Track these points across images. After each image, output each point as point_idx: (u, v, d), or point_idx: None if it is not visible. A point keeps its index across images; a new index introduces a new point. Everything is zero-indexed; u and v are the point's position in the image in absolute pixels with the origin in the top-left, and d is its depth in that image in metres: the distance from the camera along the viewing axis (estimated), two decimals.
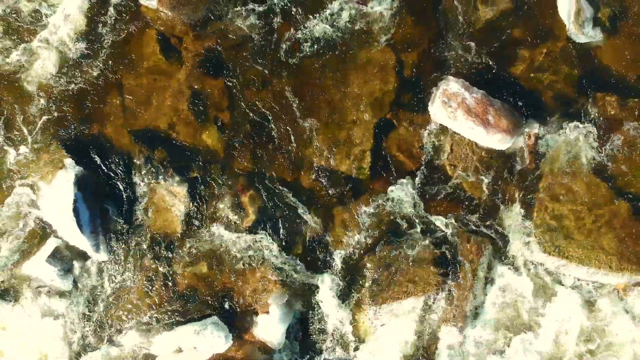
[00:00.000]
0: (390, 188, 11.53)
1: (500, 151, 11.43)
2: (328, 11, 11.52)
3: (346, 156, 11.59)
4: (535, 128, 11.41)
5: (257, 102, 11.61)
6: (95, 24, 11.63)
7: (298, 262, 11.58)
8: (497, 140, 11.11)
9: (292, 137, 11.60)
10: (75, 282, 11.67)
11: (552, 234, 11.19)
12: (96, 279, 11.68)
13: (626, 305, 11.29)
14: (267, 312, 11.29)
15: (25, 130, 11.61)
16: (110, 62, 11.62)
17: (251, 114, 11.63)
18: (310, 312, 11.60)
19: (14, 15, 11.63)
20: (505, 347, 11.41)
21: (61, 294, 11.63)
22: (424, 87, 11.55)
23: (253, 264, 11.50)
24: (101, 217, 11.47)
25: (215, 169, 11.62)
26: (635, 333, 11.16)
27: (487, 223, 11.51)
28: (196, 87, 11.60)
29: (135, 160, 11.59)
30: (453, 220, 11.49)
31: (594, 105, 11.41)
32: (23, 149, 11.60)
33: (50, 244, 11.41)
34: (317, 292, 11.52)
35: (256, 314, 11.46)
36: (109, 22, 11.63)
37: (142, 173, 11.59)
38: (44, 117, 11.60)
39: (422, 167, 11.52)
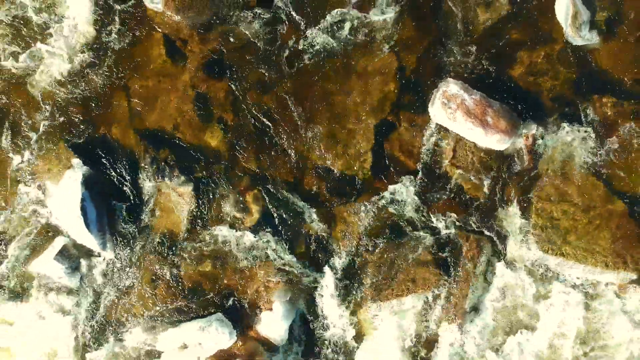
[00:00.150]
0: (391, 188, 11.57)
1: (499, 151, 11.43)
2: (331, 19, 11.57)
3: (348, 156, 11.63)
4: (533, 129, 11.40)
5: (260, 104, 11.68)
6: (103, 28, 11.70)
7: (300, 260, 11.64)
8: (495, 141, 11.13)
9: (295, 138, 11.65)
10: (82, 280, 11.77)
11: (549, 232, 11.20)
12: (103, 276, 11.78)
13: (622, 302, 11.28)
14: (271, 309, 11.35)
15: (33, 132, 11.72)
16: (116, 64, 11.70)
17: (254, 116, 11.68)
18: (313, 309, 11.64)
19: (23, 22, 11.75)
20: (503, 344, 11.43)
21: (69, 291, 11.75)
22: (424, 89, 11.56)
23: (256, 262, 11.56)
24: (108, 215, 11.58)
25: (219, 169, 11.69)
26: (630, 328, 11.17)
27: (486, 222, 11.53)
28: (201, 89, 11.68)
29: (141, 161, 11.67)
30: (452, 219, 11.51)
31: (591, 107, 11.40)
32: (31, 149, 11.72)
33: (58, 242, 11.53)
34: (319, 290, 11.57)
35: (260, 311, 11.50)
36: (116, 25, 11.70)
37: (148, 173, 11.67)
38: (52, 119, 11.72)
39: (422, 167, 11.55)
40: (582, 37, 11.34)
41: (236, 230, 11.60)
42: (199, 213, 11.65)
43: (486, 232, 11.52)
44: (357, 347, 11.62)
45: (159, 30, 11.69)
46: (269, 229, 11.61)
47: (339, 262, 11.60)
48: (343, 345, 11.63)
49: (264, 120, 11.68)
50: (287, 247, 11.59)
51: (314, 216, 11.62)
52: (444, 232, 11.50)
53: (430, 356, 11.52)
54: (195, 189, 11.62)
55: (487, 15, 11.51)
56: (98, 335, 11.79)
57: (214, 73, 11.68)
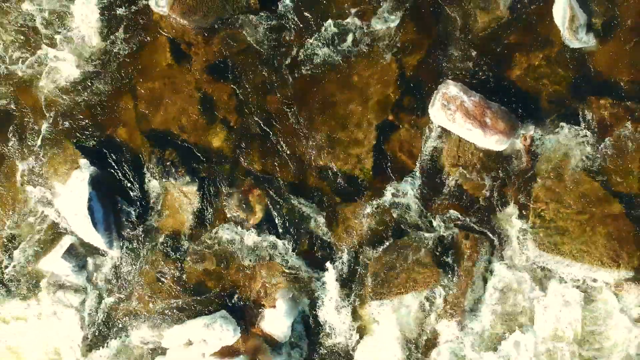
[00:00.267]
0: (392, 188, 11.61)
1: (497, 152, 11.50)
2: (333, 25, 11.60)
3: (349, 157, 11.69)
4: (531, 130, 11.45)
5: (263, 106, 11.74)
6: (110, 32, 11.76)
7: (303, 258, 11.70)
8: (494, 142, 11.20)
9: (297, 140, 11.72)
10: (89, 278, 11.85)
11: (547, 231, 11.25)
12: (109, 274, 11.85)
13: (618, 300, 11.32)
14: (274, 307, 11.39)
15: (40, 134, 11.80)
16: (123, 67, 11.77)
17: (258, 117, 11.75)
18: (315, 307, 11.70)
19: (31, 28, 11.83)
20: (501, 341, 11.47)
21: (76, 289, 11.81)
22: (425, 91, 11.61)
23: (260, 261, 11.62)
24: (114, 215, 11.66)
25: (223, 170, 11.74)
26: (626, 325, 11.23)
27: (485, 222, 11.58)
28: (205, 90, 11.74)
29: (147, 161, 11.73)
30: (452, 219, 11.56)
31: (588, 108, 11.44)
32: (39, 151, 11.80)
33: (66, 241, 11.64)
34: (321, 288, 11.63)
35: (263, 308, 11.56)
36: (122, 29, 11.75)
37: (154, 173, 11.73)
38: (59, 122, 11.80)
39: (423, 168, 11.59)
40: (579, 39, 11.39)
41: (240, 230, 11.67)
42: (203, 212, 11.72)
43: (485, 232, 11.58)
44: (358, 344, 11.69)
45: (165, 33, 11.77)
46: (272, 229, 11.68)
47: (341, 260, 11.67)
48: (344, 342, 11.70)
49: (267, 122, 11.75)
50: (290, 246, 11.66)
51: (317, 216, 11.68)
52: (443, 231, 11.55)
53: (430, 353, 11.58)
54: (200, 188, 11.69)
55: (486, 19, 11.57)
56: (104, 332, 11.88)
57: (218, 76, 11.74)
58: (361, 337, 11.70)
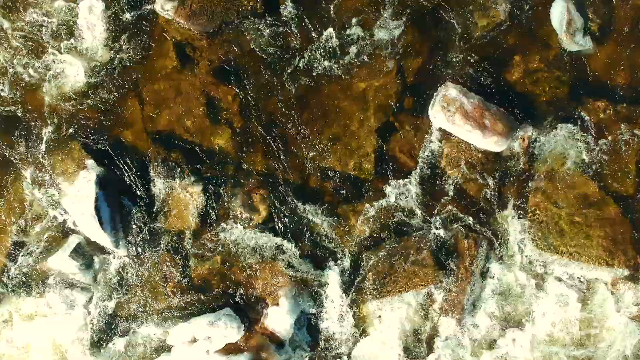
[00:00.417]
0: (393, 188, 11.68)
1: (496, 153, 11.59)
2: (336, 32, 11.68)
3: (351, 158, 11.78)
4: (529, 131, 11.52)
5: (266, 108, 11.82)
6: (116, 35, 11.84)
7: (306, 257, 11.76)
8: (493, 143, 11.28)
9: (299, 141, 11.80)
10: (95, 276, 11.90)
11: (544, 231, 11.33)
12: (115, 273, 11.91)
13: (615, 297, 11.43)
14: (277, 305, 11.45)
15: (48, 135, 11.87)
16: (129, 70, 11.84)
17: (261, 119, 11.83)
18: (317, 304, 11.77)
19: (38, 34, 11.89)
20: (499, 338, 11.59)
21: (82, 287, 11.87)
22: (425, 93, 11.69)
23: (264, 260, 11.67)
24: (121, 214, 11.73)
25: (228, 170, 11.80)
26: (623, 323, 11.36)
27: (484, 221, 11.66)
28: (210, 92, 11.80)
29: (152, 162, 11.79)
30: (452, 218, 11.65)
31: (585, 110, 11.53)
32: (47, 152, 11.86)
33: (73, 240, 11.68)
34: (324, 286, 11.70)
35: (266, 306, 11.63)
36: (129, 33, 11.84)
37: (159, 173, 11.78)
38: (66, 124, 11.87)
39: (423, 168, 11.66)
40: (577, 43, 11.46)
41: (244, 229, 11.74)
42: (208, 212, 11.80)
43: (484, 231, 11.66)
44: (359, 340, 11.80)
45: (170, 37, 11.86)
46: (276, 228, 11.75)
47: (343, 259, 11.76)
48: (345, 339, 11.79)
49: (270, 123, 11.85)
50: (293, 245, 11.73)
51: (319, 215, 11.76)
52: (443, 231, 11.63)
53: (429, 349, 11.69)
54: (204, 188, 11.75)
55: (485, 23, 11.68)
56: (111, 330, 11.96)
57: (222, 78, 11.82)
58: (362, 334, 11.79)
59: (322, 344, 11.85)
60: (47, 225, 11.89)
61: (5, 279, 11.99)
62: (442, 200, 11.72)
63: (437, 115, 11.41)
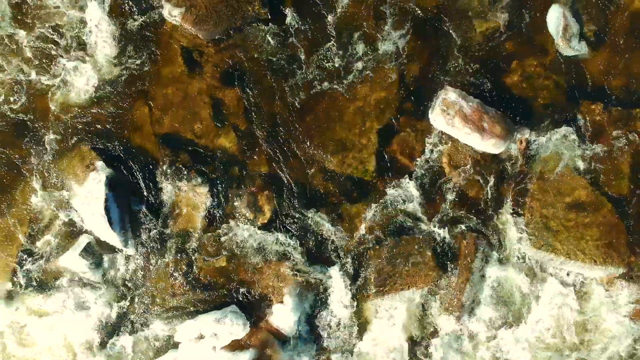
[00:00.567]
0: (393, 189, 11.80)
1: (494, 155, 11.74)
2: (339, 39, 11.80)
3: (353, 160, 11.92)
4: (527, 133, 11.66)
5: (271, 111, 11.97)
6: (124, 41, 11.97)
7: (309, 256, 11.85)
8: (491, 145, 11.42)
9: (303, 143, 11.93)
10: (104, 275, 12.01)
11: (541, 230, 11.45)
12: (124, 272, 12.01)
13: (610, 296, 11.58)
14: (282, 302, 11.54)
15: (59, 138, 11.97)
16: (138, 74, 11.98)
17: (265, 122, 11.97)
18: (320, 302, 11.85)
19: (48, 40, 11.95)
20: (497, 336, 11.68)
21: (92, 286, 11.96)
22: (425, 97, 11.83)
23: (268, 258, 11.78)
24: (130, 214, 11.85)
25: (233, 171, 11.92)
26: (618, 321, 11.50)
27: (483, 221, 11.79)
28: (216, 96, 11.95)
29: (160, 163, 11.91)
30: (451, 219, 11.78)
31: (581, 113, 11.70)
32: (58, 154, 11.96)
33: (83, 240, 11.75)
34: (327, 284, 11.78)
35: (271, 303, 11.71)
36: (137, 38, 11.98)
37: (167, 174, 11.91)
38: (77, 127, 11.97)
39: (423, 170, 11.80)
40: (573, 48, 11.64)
41: (249, 229, 11.85)
42: (214, 212, 11.91)
43: (483, 231, 11.81)
44: (361, 337, 11.89)
45: (178, 42, 12.01)
46: (280, 228, 11.87)
47: (345, 258, 11.86)
48: (348, 336, 11.90)
49: (274, 126, 11.99)
50: (296, 244, 11.84)
51: (322, 215, 11.89)
52: (443, 231, 11.76)
53: (429, 346, 11.81)
54: (211, 189, 11.88)
55: (483, 28, 11.85)
56: (119, 327, 12.04)
57: (228, 82, 11.97)
58: (364, 331, 11.88)
59: (325, 341, 11.94)
60: (57, 225, 11.98)
61: (16, 278, 12.05)
62: (442, 201, 11.84)
63: (437, 119, 11.55)
